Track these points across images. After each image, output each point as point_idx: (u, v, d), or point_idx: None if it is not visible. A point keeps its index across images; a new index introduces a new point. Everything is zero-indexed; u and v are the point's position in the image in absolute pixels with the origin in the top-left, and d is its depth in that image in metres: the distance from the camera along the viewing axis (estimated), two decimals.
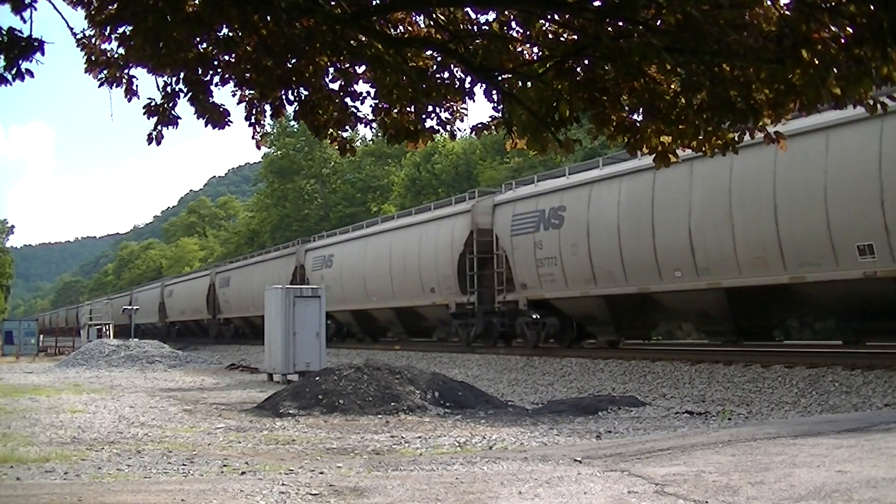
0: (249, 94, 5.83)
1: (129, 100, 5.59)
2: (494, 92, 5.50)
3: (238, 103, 5.93)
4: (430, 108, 5.84)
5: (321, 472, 5.87)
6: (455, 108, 5.88)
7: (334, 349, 25.18)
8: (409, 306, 24.98)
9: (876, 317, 13.42)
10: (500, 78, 5.51)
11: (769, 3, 4.56)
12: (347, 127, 6.11)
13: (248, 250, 54.51)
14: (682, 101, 5.11)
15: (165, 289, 52.50)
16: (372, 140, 58.36)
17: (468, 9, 5.58)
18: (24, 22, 4.45)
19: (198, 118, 5.57)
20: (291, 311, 18.45)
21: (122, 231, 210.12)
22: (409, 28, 5.70)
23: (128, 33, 5.13)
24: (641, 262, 16.22)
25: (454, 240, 22.41)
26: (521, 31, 5.46)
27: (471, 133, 6.43)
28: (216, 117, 5.62)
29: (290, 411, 11.27)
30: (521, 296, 19.79)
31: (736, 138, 5.44)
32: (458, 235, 22.23)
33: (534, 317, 19.80)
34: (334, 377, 12.26)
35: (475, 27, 5.60)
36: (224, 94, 7.38)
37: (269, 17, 5.10)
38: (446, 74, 5.73)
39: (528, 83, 5.42)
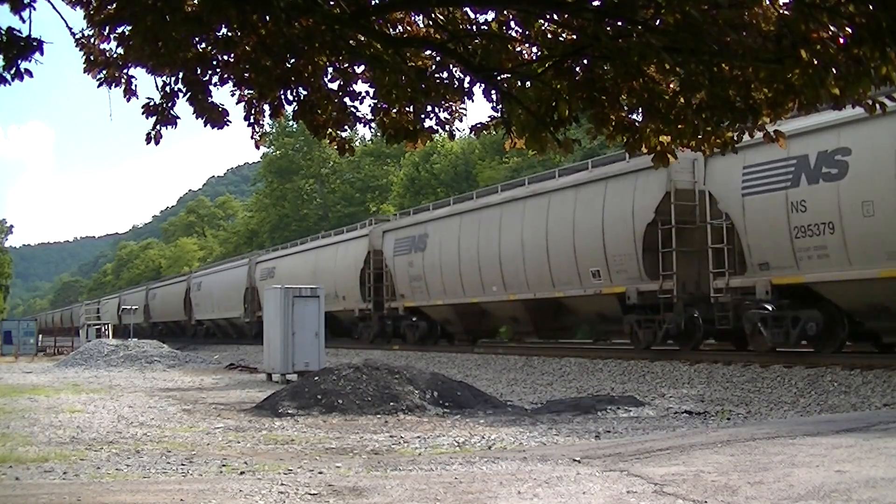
0: (248, 93, 5.82)
1: (128, 100, 5.59)
2: (493, 92, 5.50)
3: (237, 103, 5.93)
4: (429, 108, 5.84)
5: (320, 472, 5.88)
6: (454, 107, 5.88)
7: (333, 349, 25.20)
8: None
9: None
10: (498, 78, 5.51)
11: (768, 2, 4.56)
12: (346, 127, 6.11)
13: (246, 250, 54.02)
14: (681, 100, 5.11)
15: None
16: (371, 140, 58.37)
17: (467, 8, 5.58)
18: (23, 22, 4.46)
19: (197, 118, 5.57)
20: (290, 310, 18.46)
21: (121, 231, 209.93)
22: (408, 28, 5.70)
23: (127, 33, 5.13)
24: (475, 278, 21.75)
25: (357, 258, 28.44)
26: (520, 30, 5.46)
27: (470, 133, 6.45)
28: (215, 117, 5.62)
29: (289, 411, 11.26)
30: (400, 304, 25.94)
31: (735, 137, 5.45)
32: (359, 255, 28.29)
33: (413, 320, 25.74)
34: (333, 377, 12.25)
35: (474, 27, 5.60)
36: (223, 94, 7.35)
37: (268, 17, 5.10)
38: (445, 74, 5.73)
39: (527, 83, 5.42)
